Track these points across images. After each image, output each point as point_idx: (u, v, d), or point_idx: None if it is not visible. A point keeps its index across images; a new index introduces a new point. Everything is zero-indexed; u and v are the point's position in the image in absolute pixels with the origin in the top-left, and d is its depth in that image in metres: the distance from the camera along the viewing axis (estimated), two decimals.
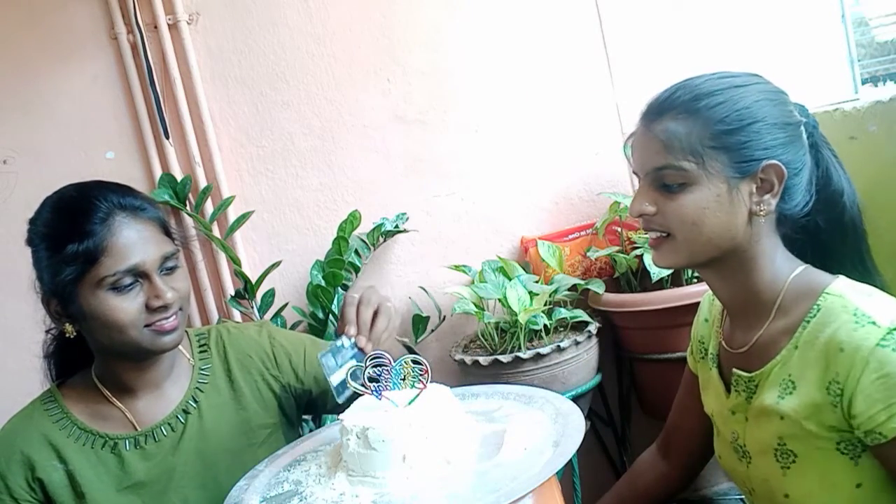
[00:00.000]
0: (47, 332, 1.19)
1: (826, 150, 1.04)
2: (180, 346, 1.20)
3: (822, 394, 0.93)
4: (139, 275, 1.07)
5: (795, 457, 0.99)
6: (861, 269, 1.03)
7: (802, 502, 1.00)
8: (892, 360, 0.87)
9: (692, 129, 0.96)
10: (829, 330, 0.93)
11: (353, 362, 1.05)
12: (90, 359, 1.17)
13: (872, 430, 0.90)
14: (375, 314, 1.10)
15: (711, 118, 0.96)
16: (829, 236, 1.04)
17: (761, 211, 0.97)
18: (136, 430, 1.14)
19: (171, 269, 1.11)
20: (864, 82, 1.91)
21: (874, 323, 0.89)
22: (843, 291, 0.95)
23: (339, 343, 1.07)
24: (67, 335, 1.10)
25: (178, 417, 1.16)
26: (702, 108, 0.96)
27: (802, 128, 1.01)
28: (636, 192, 1.03)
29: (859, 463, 0.94)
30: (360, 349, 1.08)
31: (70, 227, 1.05)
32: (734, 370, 1.08)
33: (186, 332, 1.25)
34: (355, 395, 1.01)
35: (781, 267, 1.01)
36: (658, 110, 1.00)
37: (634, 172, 1.05)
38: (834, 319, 0.93)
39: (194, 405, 1.18)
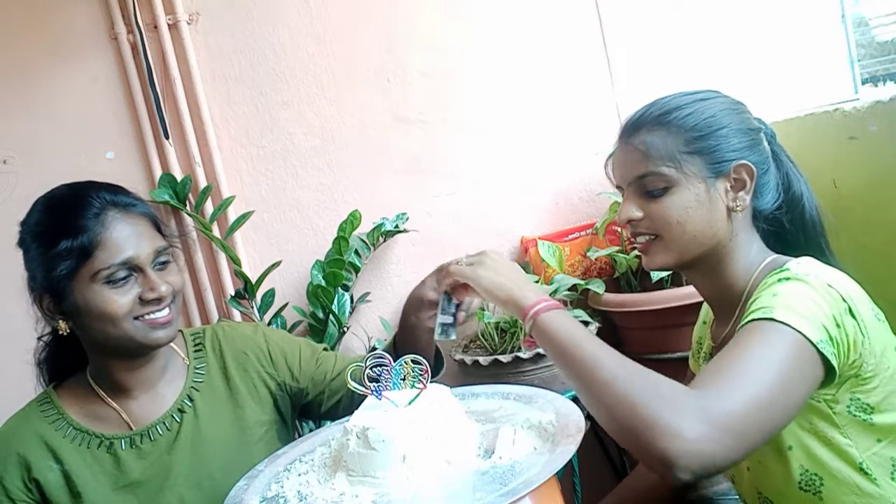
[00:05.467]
0: (39, 338, 1.19)
1: (784, 157, 1.12)
2: (175, 346, 1.21)
3: None
4: (133, 268, 1.08)
5: None
6: (822, 258, 1.07)
7: (758, 472, 1.05)
8: (777, 286, 0.93)
9: (667, 139, 1.04)
10: (760, 286, 0.99)
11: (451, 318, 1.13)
12: (82, 364, 1.18)
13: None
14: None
15: (683, 127, 1.04)
16: (794, 235, 1.11)
17: (738, 207, 1.04)
18: (131, 429, 1.14)
19: (164, 264, 1.13)
20: (864, 82, 1.91)
21: (788, 270, 0.96)
22: (791, 262, 1.00)
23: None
24: (60, 332, 1.10)
25: (173, 416, 1.16)
26: (673, 119, 1.05)
27: (762, 134, 1.09)
28: (622, 202, 1.10)
29: (797, 461, 0.98)
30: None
31: (63, 224, 1.06)
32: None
33: (182, 331, 1.25)
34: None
35: (754, 259, 1.07)
36: (634, 126, 1.08)
37: (617, 186, 1.13)
38: (767, 276, 0.99)
39: (189, 404, 1.18)
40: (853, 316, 0.92)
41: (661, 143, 1.04)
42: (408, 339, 1.21)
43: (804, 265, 0.98)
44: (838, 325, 0.90)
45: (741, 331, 0.90)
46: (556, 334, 0.92)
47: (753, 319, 0.89)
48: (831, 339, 0.88)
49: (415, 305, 1.21)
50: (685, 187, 1.03)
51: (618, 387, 0.82)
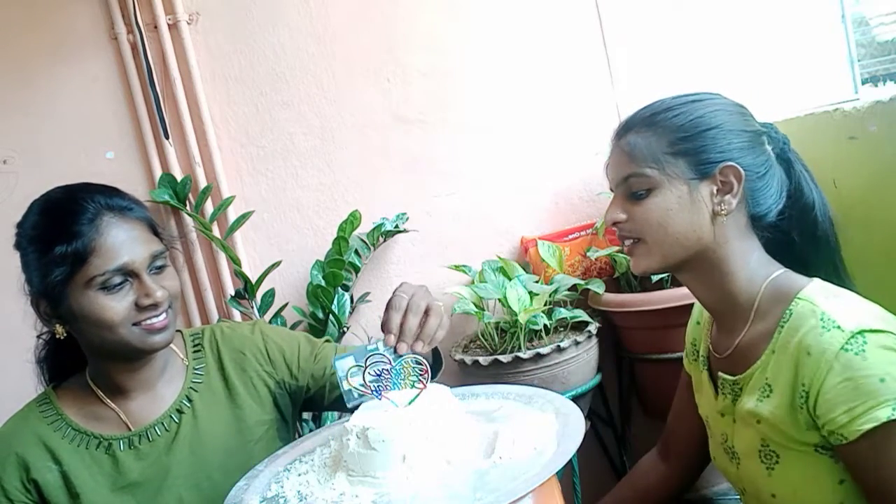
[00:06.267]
0: (38, 336, 1.19)
1: (798, 165, 1.09)
2: (174, 347, 1.20)
3: (792, 397, 0.96)
4: (128, 274, 1.07)
5: (778, 458, 1.01)
6: (835, 278, 1.05)
7: (788, 501, 1.02)
8: (853, 364, 0.90)
9: (652, 140, 1.04)
10: (799, 334, 0.95)
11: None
12: (83, 362, 1.17)
13: (834, 432, 0.92)
14: (426, 314, 1.04)
15: (669, 128, 1.03)
16: (804, 248, 1.08)
17: (722, 210, 1.02)
18: (129, 430, 1.14)
19: (161, 268, 1.12)
20: (864, 82, 1.91)
21: (839, 327, 0.92)
22: (813, 295, 0.98)
23: (369, 346, 1.02)
24: (58, 336, 1.10)
25: (171, 417, 1.16)
26: (660, 121, 1.04)
27: (765, 138, 1.06)
28: (609, 203, 1.10)
29: (840, 461, 0.96)
30: (399, 354, 1.00)
31: (58, 229, 1.05)
32: (720, 374, 1.10)
33: (181, 332, 1.25)
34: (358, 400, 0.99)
35: (757, 271, 1.05)
36: (624, 128, 1.08)
37: (611, 189, 1.12)
38: (803, 324, 0.96)
39: (188, 405, 1.18)
40: None
41: (646, 144, 1.03)
42: None
43: (844, 312, 0.94)
44: None
45: (881, 439, 0.88)
46: None
47: (893, 420, 0.87)
48: None
49: None
50: (667, 189, 1.02)
51: None
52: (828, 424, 0.92)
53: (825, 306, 0.95)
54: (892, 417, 0.87)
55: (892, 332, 0.91)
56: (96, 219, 1.06)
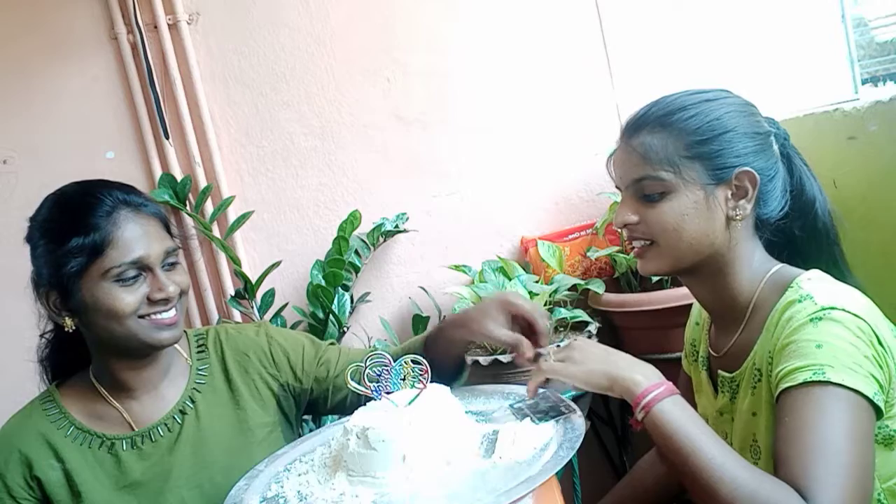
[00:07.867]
0: (41, 336, 1.19)
1: (798, 160, 1.08)
2: (178, 347, 1.21)
3: (767, 366, 0.97)
4: (143, 268, 1.09)
5: (760, 452, 1.01)
6: (835, 271, 1.05)
7: None
8: (805, 329, 0.91)
9: (667, 141, 1.01)
10: (778, 310, 0.97)
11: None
12: (85, 361, 1.18)
13: (773, 384, 0.93)
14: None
15: (685, 130, 1.01)
16: (805, 243, 1.08)
17: (738, 216, 1.01)
18: (132, 430, 1.15)
19: (173, 265, 1.13)
20: (864, 82, 1.91)
21: (812, 299, 0.93)
22: (803, 280, 0.98)
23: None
24: (67, 329, 1.10)
25: (174, 418, 1.16)
26: (675, 121, 1.01)
27: (773, 138, 1.05)
28: (619, 204, 1.07)
29: None
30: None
31: (75, 221, 1.07)
32: (719, 372, 1.10)
33: (185, 332, 1.25)
34: None
35: (758, 269, 1.05)
36: (635, 126, 1.05)
37: (617, 187, 1.09)
38: (784, 302, 0.97)
39: (191, 405, 1.18)
40: (881, 344, 0.91)
41: (661, 145, 1.00)
42: (441, 348, 1.20)
43: (825, 292, 0.94)
44: (880, 366, 0.89)
45: (800, 397, 0.87)
46: (673, 433, 0.88)
47: (809, 382, 0.86)
48: (880, 386, 0.88)
49: (463, 324, 1.18)
50: (683, 193, 1.00)
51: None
52: (770, 382, 0.93)
53: (809, 286, 0.96)
54: (808, 380, 0.87)
55: (864, 320, 0.90)
56: (113, 212, 1.08)
